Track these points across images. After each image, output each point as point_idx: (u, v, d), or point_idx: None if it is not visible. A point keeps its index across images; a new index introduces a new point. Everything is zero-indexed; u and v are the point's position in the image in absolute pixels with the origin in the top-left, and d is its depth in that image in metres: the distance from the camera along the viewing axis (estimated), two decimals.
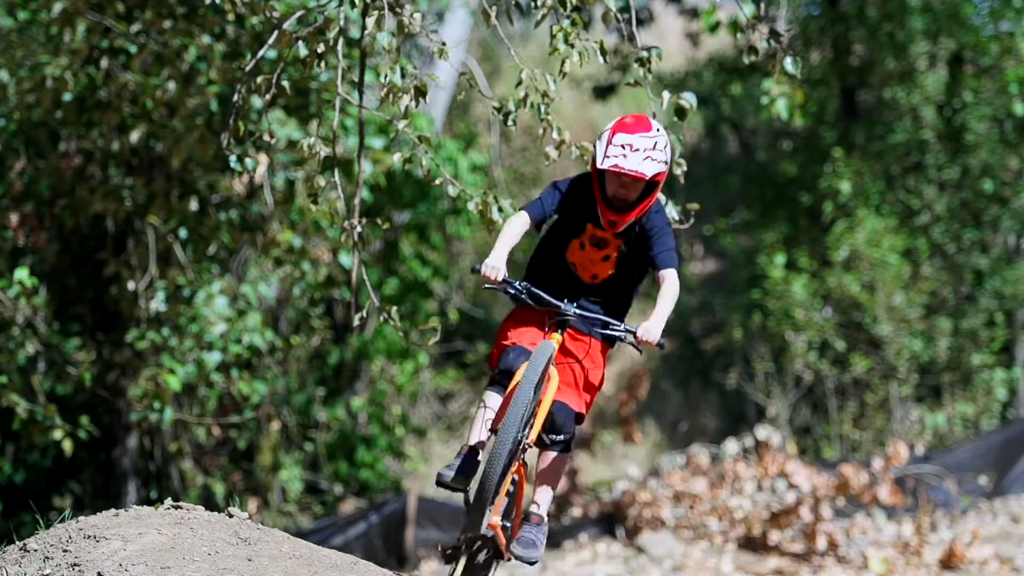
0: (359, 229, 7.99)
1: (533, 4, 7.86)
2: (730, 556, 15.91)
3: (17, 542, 7.01)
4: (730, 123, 24.98)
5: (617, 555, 16.18)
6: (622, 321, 7.30)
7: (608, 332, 7.16)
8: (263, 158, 13.65)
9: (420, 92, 7.78)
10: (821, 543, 15.71)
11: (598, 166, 6.99)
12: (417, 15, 7.87)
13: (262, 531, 7.18)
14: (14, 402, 12.43)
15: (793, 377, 20.97)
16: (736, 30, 8.81)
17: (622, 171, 6.91)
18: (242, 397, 15.21)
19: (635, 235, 7.13)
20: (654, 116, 7.48)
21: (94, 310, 14.95)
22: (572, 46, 7.77)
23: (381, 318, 8.09)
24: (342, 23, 7.96)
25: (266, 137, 8.49)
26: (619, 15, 7.92)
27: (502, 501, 7.25)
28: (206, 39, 12.62)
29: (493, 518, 7.23)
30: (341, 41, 7.98)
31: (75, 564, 6.62)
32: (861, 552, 15.71)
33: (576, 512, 17.40)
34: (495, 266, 7.14)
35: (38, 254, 14.72)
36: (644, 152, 6.95)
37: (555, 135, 7.94)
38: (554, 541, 16.76)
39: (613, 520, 16.71)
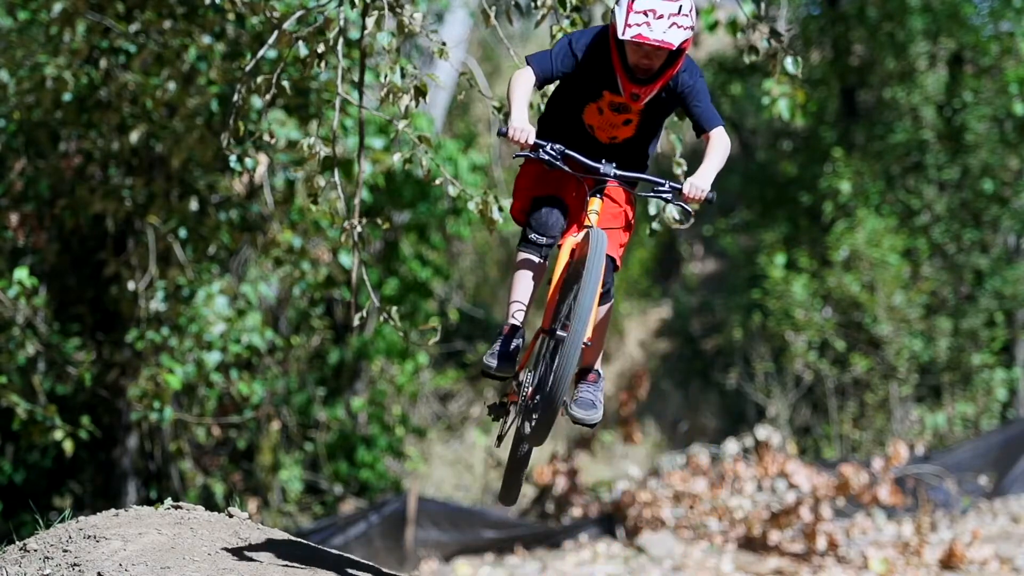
0: (359, 229, 7.99)
1: (533, 4, 7.86)
2: (730, 556, 15.90)
3: (17, 542, 7.01)
4: (730, 123, 24.97)
5: (617, 555, 16.17)
6: (634, 184, 6.72)
7: (653, 194, 6.50)
8: (263, 158, 13.65)
9: (420, 92, 7.78)
10: (821, 543, 15.71)
11: (619, 37, 6.32)
12: (417, 15, 7.87)
13: (262, 531, 7.18)
14: (14, 402, 12.43)
15: (793, 377, 20.97)
16: (736, 30, 8.81)
17: (647, 41, 6.29)
18: (242, 397, 15.21)
19: (660, 98, 6.54)
20: None
21: (94, 310, 14.95)
22: None
23: (381, 318, 8.09)
24: (342, 23, 7.96)
25: (266, 137, 8.48)
26: None
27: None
28: (206, 39, 12.62)
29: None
30: (341, 41, 7.98)
31: (75, 564, 6.62)
32: (861, 552, 15.71)
33: (576, 512, 17.40)
34: (523, 128, 6.38)
35: (38, 254, 14.72)
36: (668, 18, 6.32)
37: None
38: (554, 541, 16.76)
39: (613, 520, 16.70)
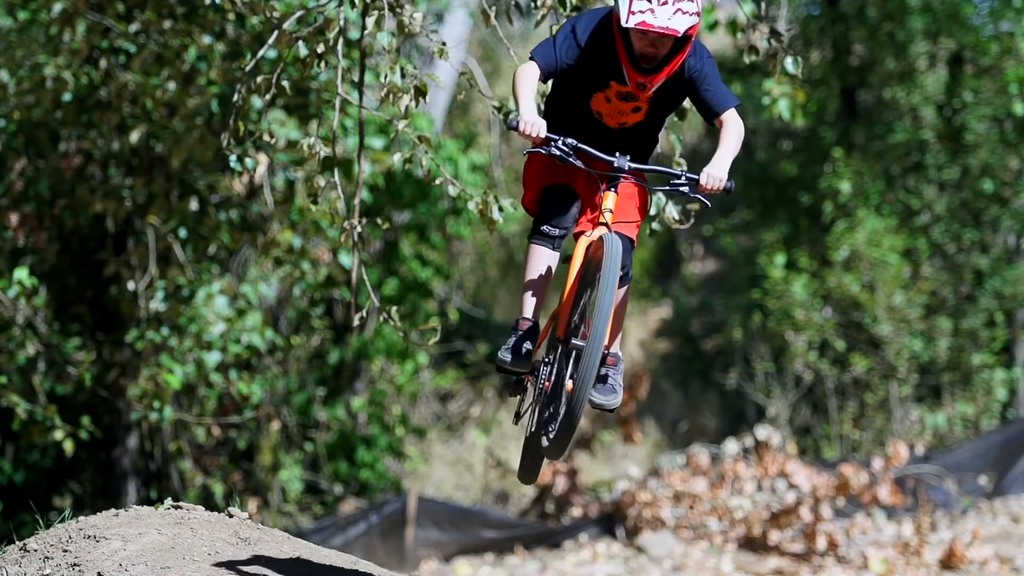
0: (359, 229, 7.99)
1: (533, 4, 7.86)
2: (730, 556, 15.90)
3: (17, 542, 7.01)
4: None
5: (617, 555, 16.17)
6: (648, 159, 6.60)
7: (668, 188, 6.32)
8: (263, 158, 13.65)
9: (420, 92, 7.78)
10: (821, 543, 15.71)
11: (623, 24, 6.14)
12: (417, 15, 7.87)
13: (262, 531, 7.18)
14: (14, 403, 12.43)
15: (793, 377, 20.97)
16: (736, 30, 8.81)
17: (651, 29, 6.10)
18: (242, 397, 15.21)
19: (669, 85, 6.35)
20: None
21: (94, 310, 14.95)
22: None
23: (381, 318, 8.09)
24: (342, 23, 7.96)
25: (266, 137, 8.48)
26: None
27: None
28: (206, 39, 12.62)
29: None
30: (341, 41, 7.98)
31: (75, 564, 6.62)
32: (861, 552, 15.71)
33: (576, 512, 17.39)
34: (534, 121, 6.19)
35: (38, 254, 14.72)
36: (673, 4, 6.13)
37: None
38: (554, 541, 16.76)
39: (613, 520, 16.70)
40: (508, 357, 6.44)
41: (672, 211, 7.95)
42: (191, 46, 12.65)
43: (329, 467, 18.67)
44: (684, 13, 6.14)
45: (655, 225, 8.18)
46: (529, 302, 6.49)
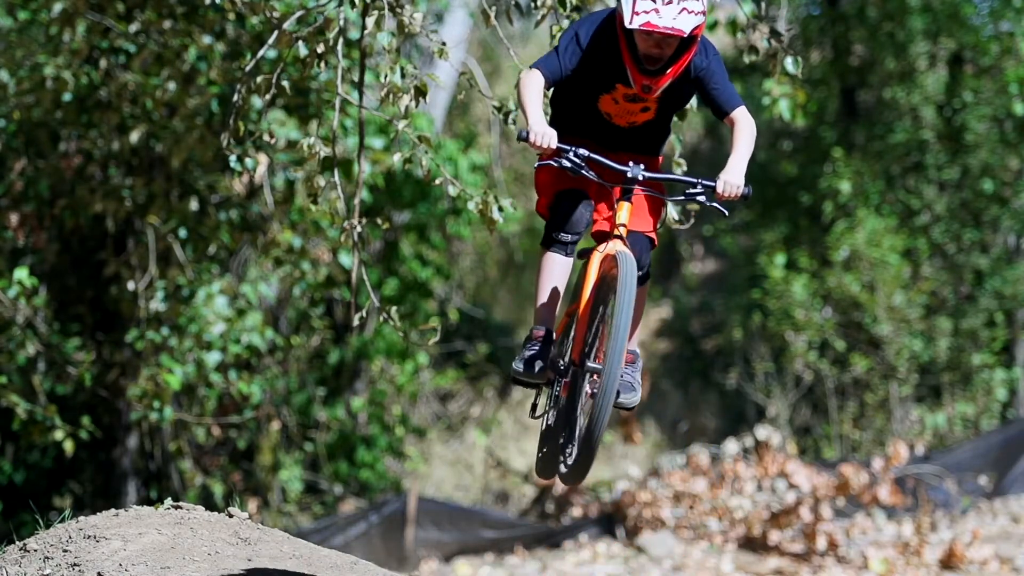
0: (359, 229, 7.99)
1: (533, 4, 7.86)
2: (730, 556, 15.90)
3: (17, 542, 7.01)
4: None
5: (617, 555, 16.17)
6: (660, 152, 6.54)
7: (684, 198, 6.17)
8: (263, 158, 13.65)
9: (420, 92, 7.78)
10: (821, 543, 15.71)
11: (626, 25, 6.00)
12: (417, 15, 7.87)
13: (262, 531, 7.18)
14: (14, 403, 12.43)
15: (793, 377, 20.97)
16: (736, 30, 8.81)
17: (656, 29, 5.98)
18: (242, 397, 15.21)
19: (676, 84, 6.25)
20: None
21: (94, 310, 14.95)
22: None
23: (381, 318, 8.09)
24: (342, 23, 7.96)
25: (266, 137, 8.48)
26: None
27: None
28: (206, 39, 12.62)
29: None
30: (341, 41, 7.98)
31: (75, 564, 6.62)
32: (861, 552, 15.71)
33: (576, 512, 17.40)
34: (544, 132, 6.05)
35: (38, 254, 14.72)
36: (678, 4, 6.00)
37: None
38: (554, 541, 16.76)
39: (613, 520, 16.70)
40: (523, 368, 6.37)
41: (672, 211, 7.95)
42: (191, 46, 12.65)
43: (329, 467, 18.67)
44: (690, 12, 6.03)
45: None
46: (544, 311, 6.40)
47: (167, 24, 12.53)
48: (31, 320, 13.58)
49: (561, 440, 6.34)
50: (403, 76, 7.76)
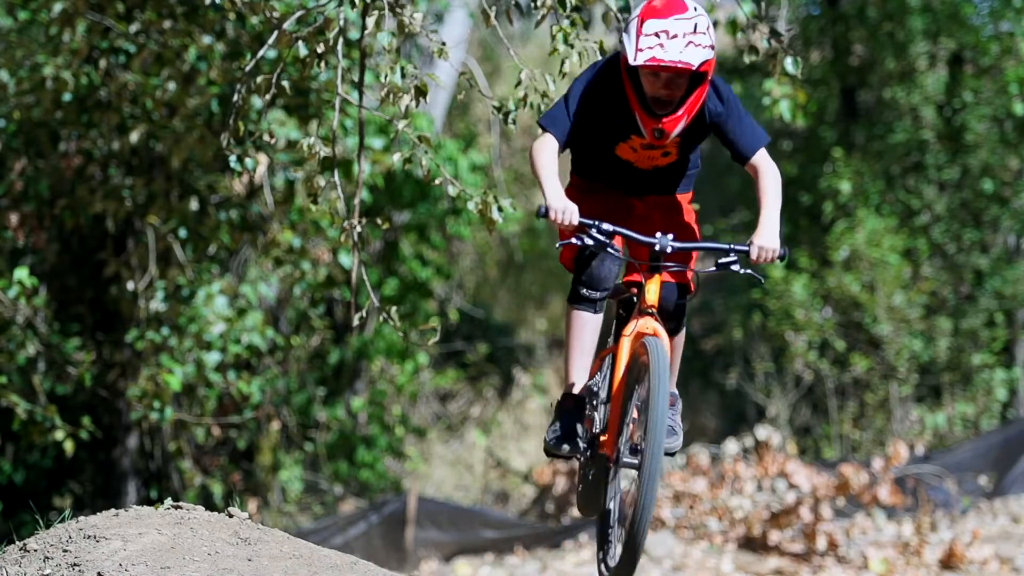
0: (359, 229, 7.98)
1: (533, 4, 7.86)
2: (730, 556, 15.90)
3: (17, 542, 7.01)
4: None
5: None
6: (691, 187, 6.14)
7: (716, 268, 5.87)
8: (263, 158, 13.65)
9: (420, 92, 7.77)
10: (821, 543, 15.71)
11: (631, 63, 5.62)
12: (417, 15, 7.87)
13: (262, 531, 7.17)
14: (14, 403, 12.43)
15: (793, 377, 20.97)
16: (735, 30, 8.81)
17: (661, 63, 5.59)
18: (242, 397, 15.21)
19: (691, 127, 5.88)
20: None
21: (94, 310, 14.95)
22: (572, 46, 7.76)
23: (381, 318, 8.09)
24: (342, 23, 7.96)
25: (266, 137, 8.48)
26: (619, 15, 7.91)
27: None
28: (206, 39, 12.62)
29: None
30: (341, 41, 7.98)
31: (75, 564, 6.62)
32: (861, 552, 15.71)
33: (576, 512, 17.38)
34: (566, 208, 5.70)
35: (38, 254, 14.72)
36: (684, 37, 5.62)
37: None
38: (554, 541, 16.76)
39: None
40: (556, 441, 5.94)
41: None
42: (191, 46, 12.65)
43: (329, 467, 18.67)
44: (697, 46, 5.66)
45: None
46: (575, 375, 5.95)
47: (167, 24, 12.53)
48: (31, 320, 13.58)
49: (599, 526, 5.95)
50: (403, 76, 7.76)
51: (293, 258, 14.59)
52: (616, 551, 5.79)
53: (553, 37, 7.76)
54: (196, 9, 12.30)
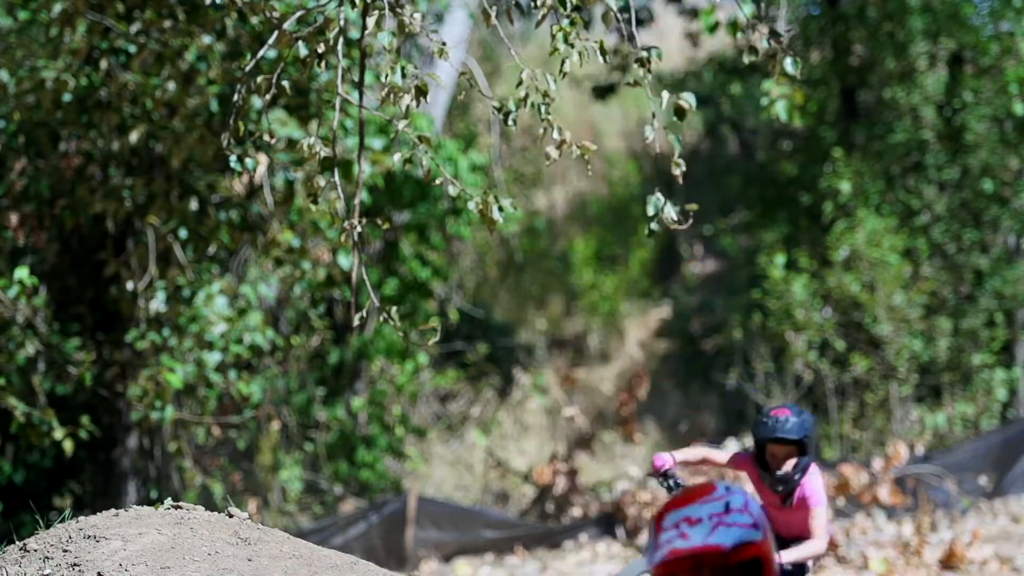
0: (359, 229, 7.99)
1: (533, 4, 7.86)
2: None
3: (17, 542, 7.01)
4: (730, 123, 24.98)
5: (617, 555, 16.16)
6: None
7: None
8: (263, 158, 13.65)
9: (421, 92, 7.78)
10: None
11: (651, 563, 3.99)
12: (417, 15, 7.87)
13: (262, 531, 7.18)
14: (12, 405, 12.43)
15: (793, 377, 20.96)
16: (736, 30, 8.80)
17: (679, 554, 3.79)
18: (242, 397, 15.22)
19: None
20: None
21: (94, 310, 14.95)
22: (572, 46, 7.76)
23: (381, 318, 8.09)
24: (342, 23, 7.96)
25: (266, 137, 8.48)
26: (619, 15, 7.91)
27: None
28: (206, 39, 12.62)
29: None
30: (341, 41, 7.98)
31: (75, 564, 6.62)
32: (861, 552, 15.71)
33: (576, 512, 17.39)
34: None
35: (38, 254, 14.72)
36: (710, 519, 3.77)
37: (555, 135, 7.93)
38: (554, 541, 16.75)
39: (613, 520, 16.69)
40: None
41: (671, 212, 7.94)
42: (191, 46, 12.65)
43: (329, 467, 18.66)
44: (729, 526, 3.96)
45: (654, 225, 8.17)
46: None
47: (167, 24, 12.53)
48: (31, 320, 13.58)
49: None
50: (403, 76, 7.76)
51: (293, 258, 14.59)
52: None
53: (553, 37, 7.77)
54: (197, 9, 12.30)
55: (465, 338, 22.22)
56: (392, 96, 7.76)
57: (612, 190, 25.91)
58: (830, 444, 20.68)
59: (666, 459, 7.25)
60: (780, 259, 21.05)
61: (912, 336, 20.44)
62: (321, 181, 7.99)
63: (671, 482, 7.27)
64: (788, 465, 7.95)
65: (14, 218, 14.07)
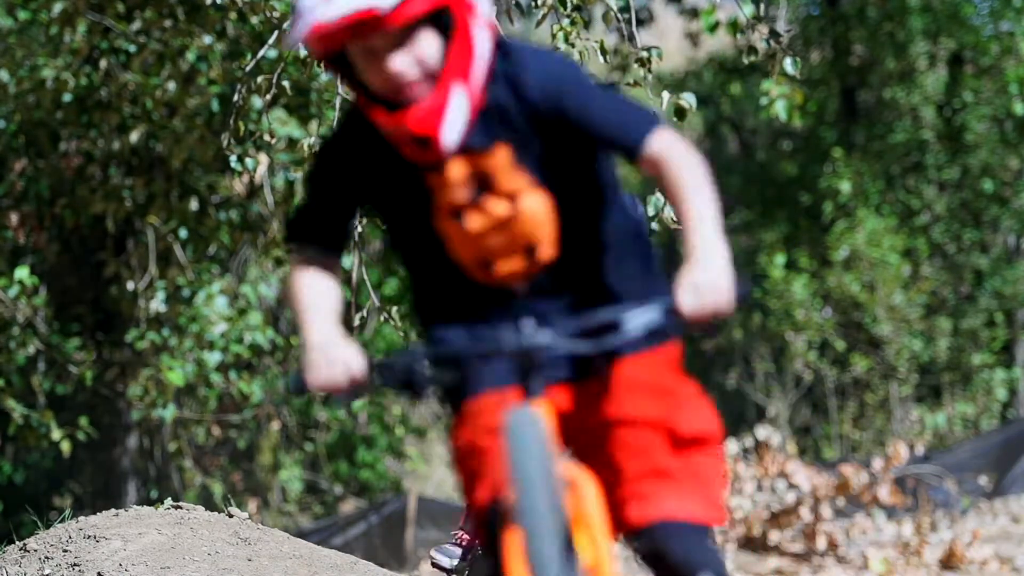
0: (359, 229, 7.98)
1: (533, 4, 7.86)
2: (730, 556, 15.89)
3: (17, 542, 7.01)
4: (730, 123, 24.98)
5: (617, 555, 16.16)
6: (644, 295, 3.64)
7: (629, 333, 3.32)
8: (263, 158, 13.64)
9: None
10: (821, 543, 15.70)
11: (294, 41, 3.26)
12: None
13: (262, 531, 7.17)
14: (11, 407, 12.43)
15: (793, 377, 20.96)
16: (736, 30, 8.81)
17: (338, 23, 3.20)
18: (242, 397, 15.21)
19: (519, 129, 3.40)
20: None
21: (94, 310, 14.95)
22: (572, 46, 7.75)
23: (381, 318, 8.08)
24: None
25: (266, 137, 8.48)
26: (619, 15, 7.91)
27: None
28: (206, 39, 12.61)
29: None
30: None
31: (75, 564, 6.61)
32: (861, 552, 15.70)
33: None
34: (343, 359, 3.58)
35: (38, 254, 14.72)
36: None
37: None
38: None
39: None
40: None
41: (671, 212, 7.94)
42: (191, 46, 12.65)
43: (329, 467, 18.66)
44: None
45: (654, 225, 8.16)
46: None
47: (167, 24, 12.52)
48: (31, 320, 13.57)
49: None
50: None
51: None
52: None
53: (553, 36, 7.76)
54: (197, 9, 12.29)
55: None
56: None
57: None
58: (830, 444, 20.68)
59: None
60: (780, 259, 21.05)
61: (912, 336, 20.44)
62: None
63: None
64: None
65: (14, 218, 14.07)
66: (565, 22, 7.79)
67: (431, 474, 20.84)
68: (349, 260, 14.67)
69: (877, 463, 16.40)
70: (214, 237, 14.00)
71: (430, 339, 3.63)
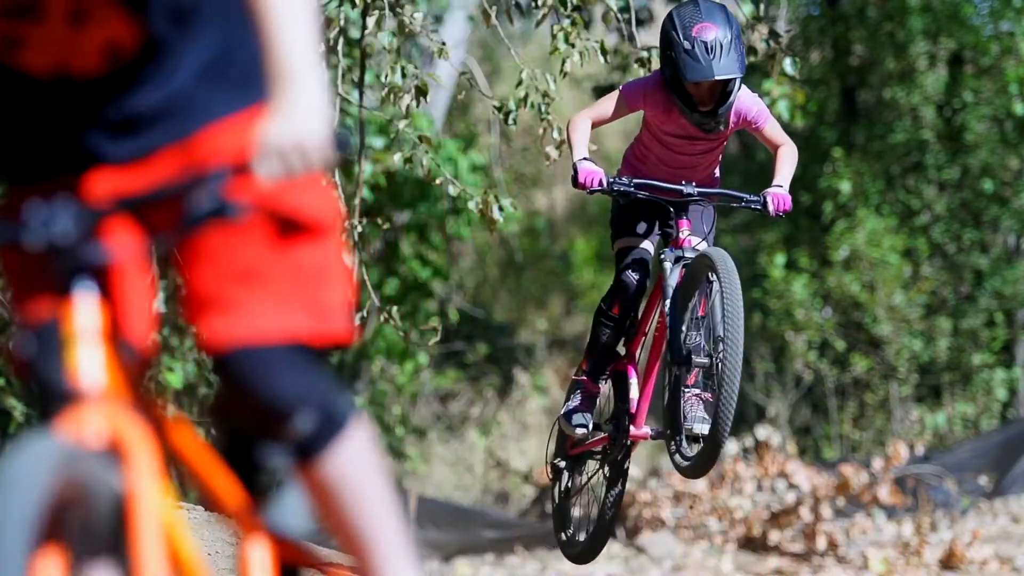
0: (359, 229, 7.98)
1: (533, 4, 7.86)
2: (730, 556, 15.89)
3: None
4: None
5: (617, 555, 16.16)
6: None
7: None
8: None
9: (421, 92, 7.78)
10: (821, 543, 15.69)
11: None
12: (418, 15, 7.87)
13: None
14: (11, 406, 12.43)
15: (793, 377, 20.96)
16: None
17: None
18: None
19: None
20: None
21: None
22: (572, 46, 7.76)
23: (381, 318, 8.09)
24: (342, 23, 7.96)
25: None
26: (619, 15, 7.91)
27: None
28: None
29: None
30: (341, 40, 7.98)
31: None
32: (861, 552, 15.70)
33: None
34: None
35: None
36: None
37: (555, 135, 7.93)
38: (554, 541, 16.73)
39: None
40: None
41: None
42: None
43: None
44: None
45: None
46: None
47: None
48: None
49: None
50: (404, 76, 7.76)
51: None
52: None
53: (554, 36, 7.76)
54: None
55: (465, 338, 22.22)
56: (392, 96, 7.76)
57: None
58: (830, 444, 20.68)
59: (593, 172, 6.27)
60: (780, 259, 21.05)
61: (912, 336, 20.44)
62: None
63: (620, 188, 6.37)
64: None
65: None
66: (565, 22, 7.80)
67: (431, 474, 20.84)
68: (349, 260, 14.68)
69: (877, 463, 16.40)
70: None
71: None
